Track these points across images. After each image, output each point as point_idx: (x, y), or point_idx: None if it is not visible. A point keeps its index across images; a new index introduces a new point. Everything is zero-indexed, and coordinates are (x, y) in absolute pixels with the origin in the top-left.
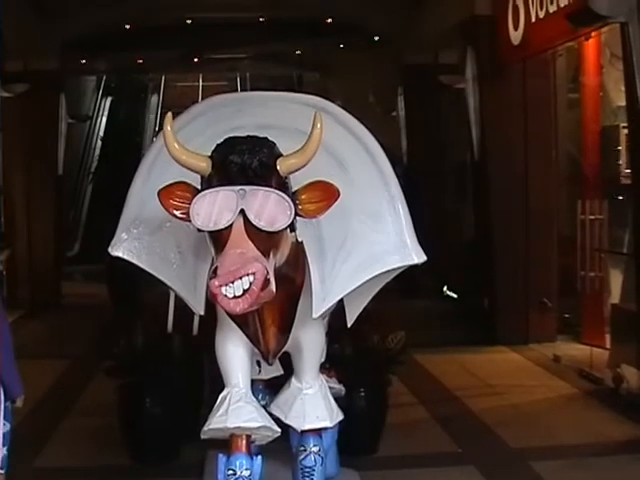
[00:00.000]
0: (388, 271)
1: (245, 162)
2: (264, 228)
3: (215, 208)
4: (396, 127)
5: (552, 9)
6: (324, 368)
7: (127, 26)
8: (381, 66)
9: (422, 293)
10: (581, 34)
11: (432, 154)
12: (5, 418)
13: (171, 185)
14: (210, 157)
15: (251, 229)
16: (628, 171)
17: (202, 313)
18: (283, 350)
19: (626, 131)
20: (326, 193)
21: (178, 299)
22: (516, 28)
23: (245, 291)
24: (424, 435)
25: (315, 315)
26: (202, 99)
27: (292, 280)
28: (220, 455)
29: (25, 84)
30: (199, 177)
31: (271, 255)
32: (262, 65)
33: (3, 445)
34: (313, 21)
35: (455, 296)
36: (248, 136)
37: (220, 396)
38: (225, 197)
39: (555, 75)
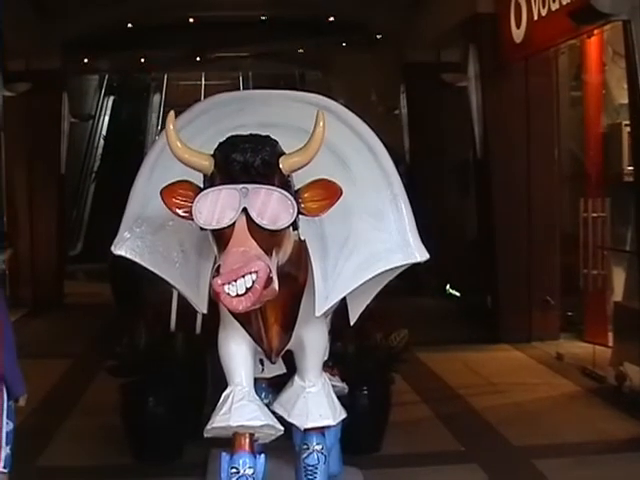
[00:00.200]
0: (391, 269)
1: (248, 160)
2: (267, 226)
3: (218, 206)
4: (398, 125)
5: (554, 7)
6: (327, 366)
7: (129, 25)
8: (383, 64)
9: (425, 291)
10: (583, 32)
11: (434, 152)
12: (8, 417)
13: (174, 184)
14: (213, 155)
15: (254, 227)
16: (630, 169)
17: (205, 312)
18: (286, 348)
19: (628, 129)
20: (329, 191)
21: (181, 298)
22: (518, 26)
23: (248, 289)
24: (427, 433)
25: (318, 313)
26: (204, 98)
27: (295, 278)
28: (223, 454)
29: (27, 83)
30: (202, 176)
31: (274, 253)
32: (264, 64)
33: (6, 444)
34: (315, 19)
35: (458, 294)
36: (250, 134)
37: (223, 394)
38: (228, 195)
39: (557, 73)
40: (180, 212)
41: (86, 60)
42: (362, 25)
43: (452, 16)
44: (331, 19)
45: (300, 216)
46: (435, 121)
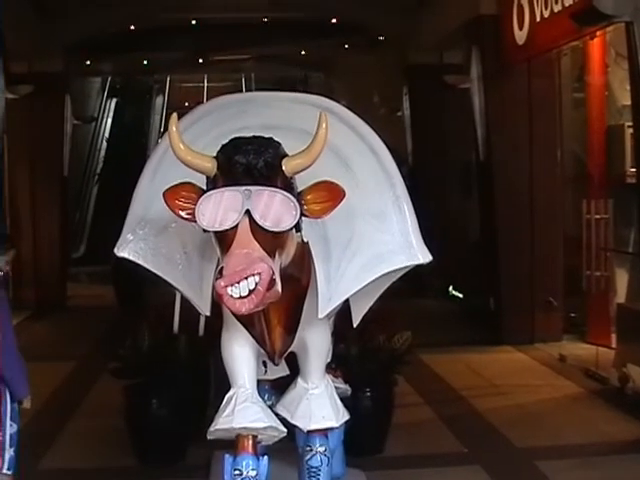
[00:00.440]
0: (394, 271)
1: (250, 162)
2: (270, 228)
3: (221, 208)
4: (401, 127)
5: (557, 8)
6: (330, 368)
7: (132, 27)
8: (386, 66)
9: (428, 293)
10: (586, 33)
11: (437, 154)
12: (12, 419)
13: (176, 186)
14: (215, 157)
15: (257, 229)
16: (633, 170)
17: (208, 314)
18: (289, 350)
19: (631, 130)
20: (331, 193)
21: (184, 300)
22: (521, 28)
23: (251, 291)
24: (430, 435)
25: (321, 315)
26: (207, 100)
27: (298, 280)
28: (226, 455)
29: (30, 86)
30: (204, 178)
31: (277, 255)
32: (267, 66)
33: (10, 446)
34: (318, 21)
35: (461, 296)
36: (253, 136)
37: (226, 396)
38: (230, 197)
39: (560, 74)
40: (183, 214)
41: (89, 62)
42: (364, 27)
43: (455, 18)
44: (333, 21)
45: (303, 218)
46: (438, 123)
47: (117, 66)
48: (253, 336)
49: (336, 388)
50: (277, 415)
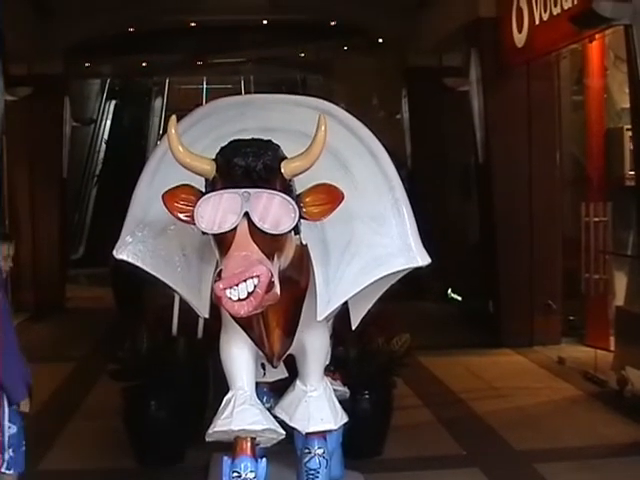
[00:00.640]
0: (392, 274)
1: (249, 165)
2: (268, 231)
3: (219, 211)
4: (400, 130)
5: (556, 11)
6: (329, 371)
7: (131, 29)
8: (385, 68)
9: (427, 296)
10: (585, 36)
11: (436, 157)
12: (10, 420)
13: (175, 188)
14: (214, 160)
15: (255, 232)
16: (632, 173)
17: (207, 316)
18: (288, 353)
19: (630, 133)
20: (330, 196)
21: (183, 302)
22: (520, 30)
23: (249, 294)
24: (429, 437)
25: (319, 317)
26: (206, 102)
27: (296, 283)
28: (225, 458)
29: (29, 87)
30: (203, 180)
31: (275, 258)
32: (266, 68)
33: (9, 447)
34: (317, 24)
35: (459, 299)
36: (252, 139)
37: (225, 399)
38: (229, 200)
39: (559, 77)
40: (182, 216)
41: (88, 64)
42: (364, 29)
43: (454, 20)
44: (333, 23)
45: (302, 220)
46: (437, 125)
47: (116, 68)
48: (252, 338)
49: (335, 390)
50: (275, 417)
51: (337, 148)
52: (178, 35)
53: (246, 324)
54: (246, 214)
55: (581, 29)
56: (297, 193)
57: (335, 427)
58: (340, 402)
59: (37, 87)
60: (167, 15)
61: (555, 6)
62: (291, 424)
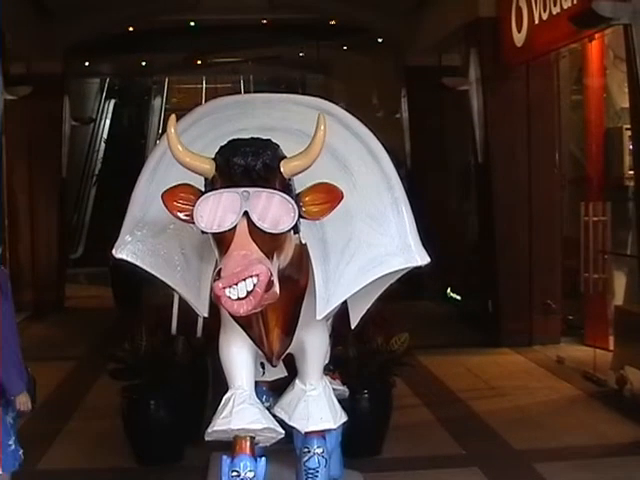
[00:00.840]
0: (392, 273)
1: (249, 164)
2: (268, 230)
3: (219, 210)
4: (399, 129)
5: (555, 11)
6: (328, 370)
7: (130, 29)
8: (384, 68)
9: (426, 295)
10: (584, 36)
11: (435, 156)
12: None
13: (175, 187)
14: (214, 159)
15: (255, 231)
16: (631, 173)
17: (206, 315)
18: (287, 352)
19: (629, 133)
20: (330, 195)
21: (182, 301)
22: (519, 30)
23: (249, 293)
24: (428, 437)
25: (319, 317)
26: (205, 101)
27: (296, 282)
28: (224, 457)
29: (28, 87)
30: (203, 179)
31: (275, 257)
32: (265, 67)
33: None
34: (317, 23)
35: (459, 298)
36: (252, 138)
37: (224, 398)
38: (229, 199)
39: (558, 77)
40: (181, 216)
41: (87, 63)
42: (363, 28)
43: (453, 20)
44: (332, 22)
45: (301, 220)
46: (436, 125)
47: (116, 67)
48: (251, 337)
49: (334, 390)
50: (275, 416)
51: (336, 147)
52: (177, 34)
53: (245, 323)
54: (245, 213)
55: (580, 29)
56: (296, 192)
57: (334, 426)
58: (339, 401)
59: (36, 86)
60: (166, 14)
61: (554, 6)
62: (290, 423)
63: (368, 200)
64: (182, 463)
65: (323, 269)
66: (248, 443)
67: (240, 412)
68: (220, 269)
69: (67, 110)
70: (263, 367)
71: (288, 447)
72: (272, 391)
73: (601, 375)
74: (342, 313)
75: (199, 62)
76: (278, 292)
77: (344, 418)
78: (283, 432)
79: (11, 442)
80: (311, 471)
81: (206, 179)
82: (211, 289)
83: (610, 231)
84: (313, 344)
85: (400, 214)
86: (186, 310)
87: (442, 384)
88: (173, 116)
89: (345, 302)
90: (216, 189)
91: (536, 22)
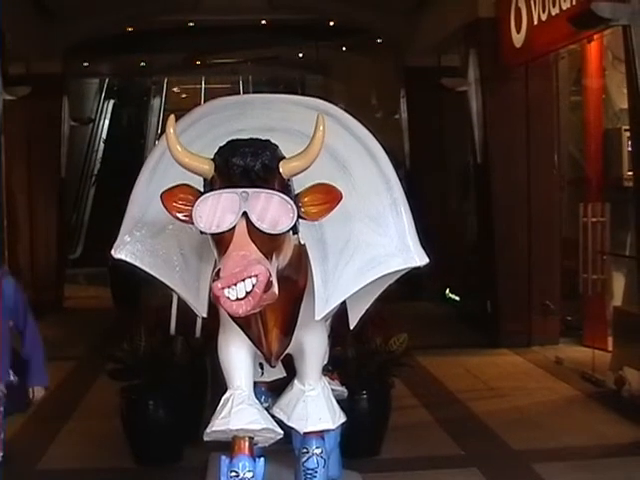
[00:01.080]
0: (391, 273)
1: (248, 165)
2: (267, 230)
3: (218, 210)
4: (398, 129)
5: (554, 12)
6: (327, 370)
7: (130, 29)
8: (384, 68)
9: (425, 296)
10: (583, 37)
11: (434, 157)
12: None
13: (174, 187)
14: (213, 159)
15: (254, 231)
16: (630, 173)
17: (205, 315)
18: (286, 352)
19: (628, 134)
20: (329, 196)
21: (181, 301)
22: (518, 31)
23: (248, 293)
24: (427, 437)
25: (317, 317)
26: (204, 102)
27: (295, 282)
28: (223, 457)
29: (27, 87)
30: (202, 180)
31: (274, 257)
32: (264, 68)
33: None
34: (316, 24)
35: (457, 298)
36: (251, 139)
37: (223, 398)
38: (228, 199)
39: (557, 78)
40: (180, 216)
41: (86, 64)
42: (362, 29)
43: (453, 20)
44: (331, 23)
45: (300, 220)
46: (435, 125)
47: (115, 68)
48: (250, 338)
49: (333, 390)
50: (273, 417)
51: (335, 148)
52: (176, 35)
53: (244, 323)
54: (244, 214)
55: (579, 29)
56: (295, 193)
57: (333, 427)
58: (338, 402)
59: (36, 86)
60: (166, 15)
61: (554, 6)
62: (289, 423)
63: (367, 201)
64: (181, 463)
65: (322, 269)
66: (247, 443)
67: (239, 412)
68: (219, 269)
69: (66, 110)
70: (262, 367)
71: (287, 447)
72: (271, 391)
73: (600, 376)
74: (341, 313)
75: (198, 62)
76: (277, 292)
77: (343, 418)
78: (282, 432)
79: None
80: (310, 471)
81: (205, 179)
82: (210, 289)
83: (609, 232)
84: (312, 344)
85: (399, 215)
86: (185, 310)
87: (441, 385)
88: (172, 116)
89: (344, 302)
90: (215, 189)
91: (535, 23)
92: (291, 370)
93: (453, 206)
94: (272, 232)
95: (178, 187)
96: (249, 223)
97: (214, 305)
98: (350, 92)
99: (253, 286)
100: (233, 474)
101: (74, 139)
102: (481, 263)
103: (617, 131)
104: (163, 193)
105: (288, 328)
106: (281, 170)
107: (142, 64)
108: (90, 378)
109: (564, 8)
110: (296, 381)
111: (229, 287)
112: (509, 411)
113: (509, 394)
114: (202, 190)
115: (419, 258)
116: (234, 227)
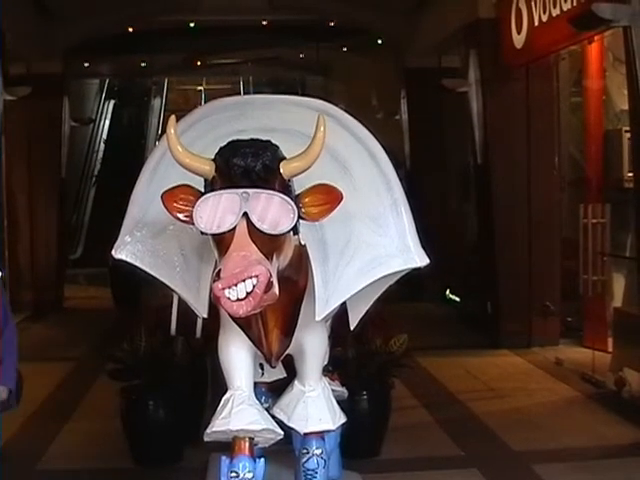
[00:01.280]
0: (391, 274)
1: (248, 165)
2: (267, 231)
3: (218, 211)
4: (399, 130)
5: (555, 13)
6: (327, 371)
7: (130, 29)
8: (384, 69)
9: (425, 296)
10: (584, 38)
11: (435, 157)
12: None
13: (174, 188)
14: (213, 160)
15: (254, 232)
16: (631, 175)
17: (205, 316)
18: (286, 353)
19: (629, 135)
20: (329, 196)
21: (181, 302)
22: (519, 32)
23: (248, 294)
24: (427, 438)
25: (318, 318)
26: (205, 102)
27: (295, 283)
28: (223, 458)
29: (28, 87)
30: (202, 180)
31: (274, 258)
32: (265, 68)
33: None
34: (316, 24)
35: (458, 299)
36: (251, 139)
37: (223, 399)
38: (228, 200)
39: (558, 79)
40: (181, 216)
41: (87, 64)
42: (363, 30)
43: (453, 21)
44: (332, 24)
45: (301, 221)
46: (435, 126)
47: (115, 68)
48: (250, 338)
49: (333, 391)
50: (274, 417)
51: (336, 148)
52: (177, 35)
53: (245, 324)
54: (245, 214)
55: (580, 30)
56: (296, 193)
57: (333, 427)
58: (338, 402)
59: (36, 87)
60: (166, 15)
61: (554, 7)
62: (289, 424)
63: (367, 201)
64: (181, 464)
65: (322, 270)
66: (247, 444)
67: (239, 413)
68: (219, 270)
69: (67, 110)
70: (262, 368)
71: (287, 448)
72: (271, 392)
73: (600, 377)
74: (341, 314)
75: (199, 63)
76: (277, 293)
77: (343, 419)
78: (282, 433)
79: None
80: (310, 472)
81: (206, 180)
82: (210, 290)
83: (609, 233)
84: (312, 345)
85: (399, 215)
86: (185, 311)
87: (441, 385)
88: (173, 117)
89: (344, 303)
90: (216, 190)
91: (536, 24)
92: (291, 371)
93: (453, 207)
94: (273, 233)
95: (179, 187)
96: (250, 224)
97: (214, 305)
98: (350, 93)
99: (254, 287)
100: (233, 474)
101: (74, 139)
102: (481, 264)
103: (617, 132)
104: (164, 193)
105: (288, 329)
106: (282, 171)
107: (143, 64)
108: (90, 378)
109: (565, 9)
110: (296, 382)
111: (229, 287)
112: (509, 412)
113: (509, 395)
114: (203, 191)
115: (419, 259)
116: (235, 227)
